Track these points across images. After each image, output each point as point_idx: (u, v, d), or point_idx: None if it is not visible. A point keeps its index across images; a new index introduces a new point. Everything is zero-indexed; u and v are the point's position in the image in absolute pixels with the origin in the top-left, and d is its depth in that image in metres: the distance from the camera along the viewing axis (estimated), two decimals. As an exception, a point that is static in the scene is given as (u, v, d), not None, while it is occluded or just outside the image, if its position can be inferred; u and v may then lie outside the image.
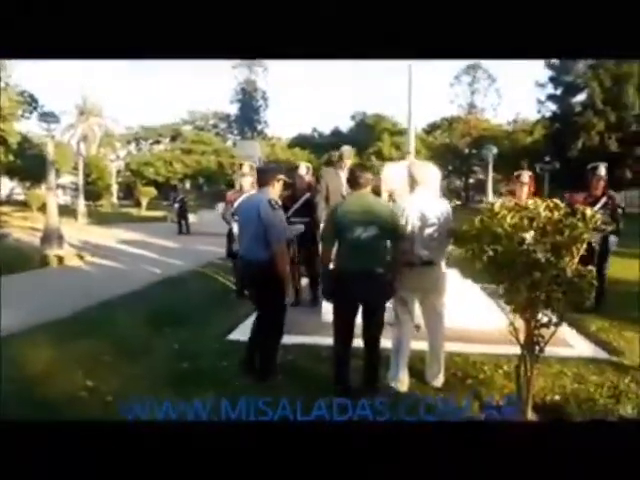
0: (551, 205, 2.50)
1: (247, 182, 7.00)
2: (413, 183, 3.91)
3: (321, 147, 48.06)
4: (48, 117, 11.00)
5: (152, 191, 35.46)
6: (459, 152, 51.81)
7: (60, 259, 10.64)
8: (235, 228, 6.85)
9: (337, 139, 51.46)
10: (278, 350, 4.18)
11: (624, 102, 31.51)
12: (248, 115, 61.50)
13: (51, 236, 11.11)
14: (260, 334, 4.12)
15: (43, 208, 28.32)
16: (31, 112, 34.78)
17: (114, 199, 37.08)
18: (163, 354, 4.67)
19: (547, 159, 29.12)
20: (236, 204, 6.93)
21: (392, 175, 6.56)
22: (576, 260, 2.51)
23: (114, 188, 38.16)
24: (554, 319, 2.66)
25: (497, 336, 4.54)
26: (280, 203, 4.10)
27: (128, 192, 45.02)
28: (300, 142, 51.19)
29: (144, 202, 33.04)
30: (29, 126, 35.15)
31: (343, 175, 6.31)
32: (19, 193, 49.35)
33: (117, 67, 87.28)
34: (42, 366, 4.29)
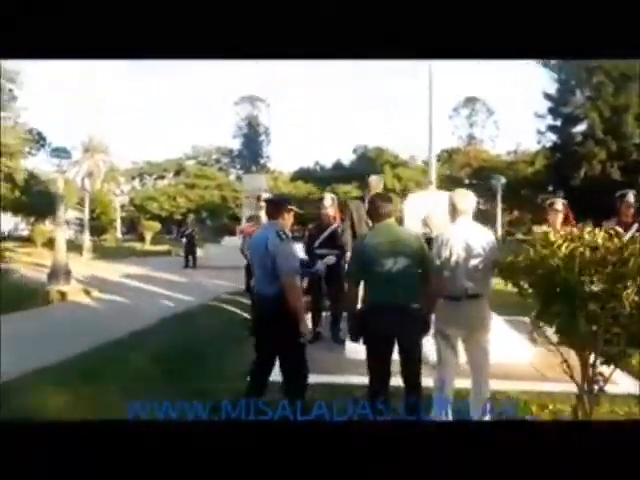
0: (611, 233, 2.36)
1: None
2: (454, 212, 3.73)
3: (323, 180, 48.31)
4: (60, 153, 11.05)
5: (156, 225, 35.49)
6: (460, 183, 52.02)
7: (64, 295, 10.47)
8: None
9: (339, 172, 51.97)
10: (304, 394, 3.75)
11: (624, 132, 31.70)
12: (251, 150, 62.20)
13: (58, 272, 10.97)
14: (284, 379, 3.79)
15: (47, 244, 28.41)
16: (38, 149, 35.26)
17: (118, 234, 37.02)
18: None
19: (550, 189, 29.20)
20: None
21: (417, 204, 6.48)
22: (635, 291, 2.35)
23: (118, 223, 38.13)
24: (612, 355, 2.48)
25: (531, 372, 4.33)
26: (289, 234, 3.83)
27: (131, 227, 45.10)
28: (302, 175, 51.43)
29: (148, 236, 33.03)
30: (34, 163, 35.45)
31: None
32: (23, 229, 49.58)
33: (123, 104, 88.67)
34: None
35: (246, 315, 8.20)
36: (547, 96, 35.92)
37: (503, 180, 24.92)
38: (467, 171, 51.60)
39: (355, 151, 57.99)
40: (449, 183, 47.19)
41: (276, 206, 4.00)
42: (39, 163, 41.00)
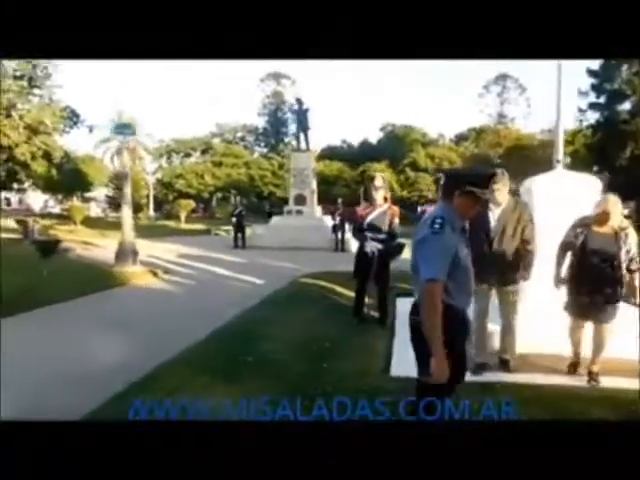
0: None
1: (380, 196, 6.55)
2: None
3: (352, 158, 47.71)
4: (124, 129, 10.66)
5: (191, 203, 35.32)
6: (490, 162, 50.92)
7: (136, 276, 10.21)
8: (368, 247, 6.40)
9: (367, 150, 51.31)
10: None
11: (673, 108, 30.60)
12: (276, 127, 61.68)
13: (126, 252, 10.72)
14: None
15: (85, 222, 28.59)
16: (71, 127, 35.13)
17: (150, 212, 36.90)
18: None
19: (595, 169, 28.34)
20: (368, 219, 6.48)
21: (546, 186, 5.97)
22: None
23: (150, 200, 37.96)
24: None
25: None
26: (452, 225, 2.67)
27: (157, 205, 45.04)
28: (329, 154, 50.88)
29: (183, 215, 32.86)
30: (66, 140, 35.40)
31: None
32: (53, 206, 49.92)
33: (148, 82, 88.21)
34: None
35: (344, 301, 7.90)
36: (590, 72, 34.72)
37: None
38: (497, 150, 50.53)
39: (383, 129, 57.17)
40: (477, 162, 46.66)
41: (450, 183, 2.93)
42: (70, 141, 40.98)
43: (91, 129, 33.93)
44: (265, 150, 61.17)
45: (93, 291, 8.73)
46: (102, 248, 16.85)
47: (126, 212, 11.04)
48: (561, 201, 5.45)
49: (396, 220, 6.63)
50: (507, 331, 4.73)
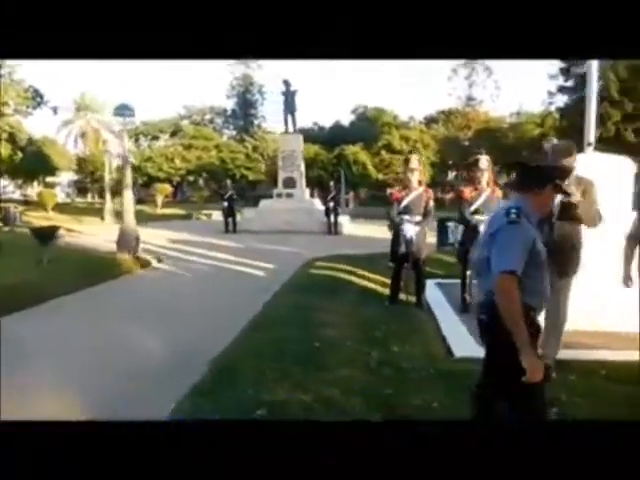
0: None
1: (415, 178, 6.43)
2: None
3: (326, 141, 47.40)
4: (124, 110, 10.16)
5: (168, 188, 34.41)
6: (459, 145, 51.49)
7: (141, 262, 9.85)
8: (407, 230, 6.29)
9: (339, 133, 51.06)
10: None
11: (640, 92, 31.38)
12: (245, 110, 60.57)
13: (129, 238, 10.29)
14: None
15: (56, 208, 27.53)
16: (34, 108, 33.58)
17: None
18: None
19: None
20: (404, 202, 6.37)
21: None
22: None
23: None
24: None
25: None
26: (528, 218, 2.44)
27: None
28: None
29: (159, 200, 31.97)
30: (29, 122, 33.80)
31: None
32: (12, 192, 47.90)
33: (113, 62, 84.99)
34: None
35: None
36: (561, 55, 35.30)
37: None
38: (466, 133, 51.10)
39: (354, 111, 56.91)
40: (448, 144, 47.21)
41: (533, 173, 2.52)
42: (34, 123, 39.26)
43: (55, 110, 32.50)
44: (234, 133, 60.14)
45: (104, 280, 8.38)
46: (86, 235, 16.29)
47: (128, 197, 10.59)
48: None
49: (431, 203, 6.56)
50: (553, 331, 4.10)
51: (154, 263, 10.16)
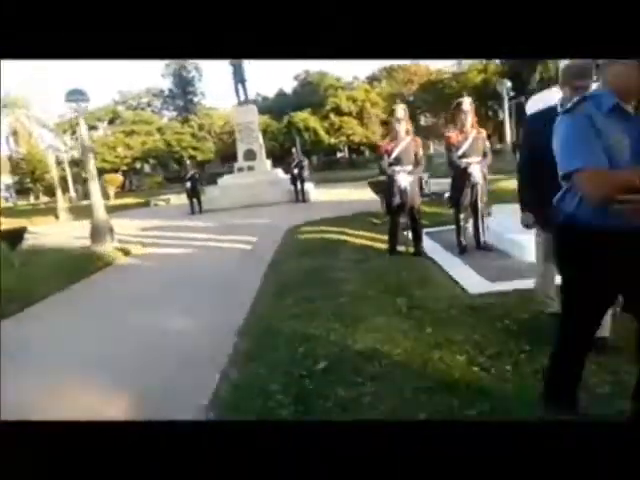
0: None
1: (403, 128, 6.46)
2: None
3: (273, 110, 46.68)
4: (77, 96, 9.68)
5: (119, 177, 33.24)
6: (405, 100, 51.74)
7: (124, 252, 9.60)
8: (400, 180, 6.35)
9: (284, 101, 50.37)
10: None
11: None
12: (183, 88, 58.76)
13: (102, 230, 9.99)
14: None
15: (4, 212, 26.16)
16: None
17: (71, 192, 34.30)
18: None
19: (512, 94, 29.57)
20: (394, 153, 6.40)
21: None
22: None
23: (69, 181, 35.10)
24: None
25: None
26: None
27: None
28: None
29: (112, 191, 30.90)
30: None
31: None
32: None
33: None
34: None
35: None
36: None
37: (509, 84, 24.63)
38: (410, 88, 51.32)
39: (296, 77, 56.03)
40: (394, 100, 47.35)
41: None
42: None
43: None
44: (175, 114, 58.42)
45: (90, 273, 8.14)
46: (46, 235, 15.66)
47: (94, 187, 10.20)
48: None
49: (420, 151, 6.64)
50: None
51: (138, 249, 9.90)
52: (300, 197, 17.22)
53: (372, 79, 56.61)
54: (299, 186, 17.20)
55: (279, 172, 20.39)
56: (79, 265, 8.38)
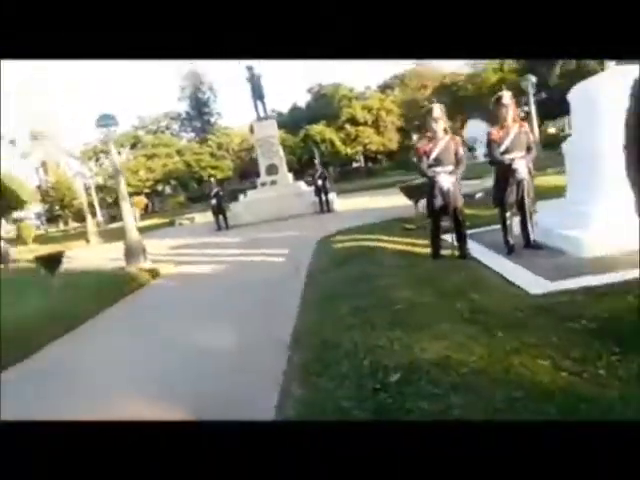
0: None
1: (440, 127, 6.24)
2: None
3: (288, 125, 46.87)
4: (108, 120, 9.71)
5: (143, 200, 33.61)
6: (420, 105, 51.41)
7: (154, 273, 9.52)
8: (443, 181, 6.11)
9: (299, 115, 50.55)
10: None
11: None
12: (199, 110, 59.56)
13: (136, 249, 9.95)
14: None
15: (36, 239, 26.66)
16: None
17: (99, 217, 34.81)
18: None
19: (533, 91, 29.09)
20: (434, 154, 6.18)
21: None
22: None
23: (96, 206, 35.74)
24: None
25: None
26: None
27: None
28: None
29: (137, 213, 31.25)
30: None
31: None
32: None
33: (58, 82, 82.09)
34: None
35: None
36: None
37: (534, 79, 24.23)
38: (423, 93, 51.01)
39: (310, 91, 56.27)
40: (410, 107, 47.18)
41: None
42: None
43: (13, 142, 31.31)
44: (193, 135, 59.21)
45: (127, 294, 8.06)
46: (78, 259, 15.75)
47: (126, 208, 10.20)
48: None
49: (461, 150, 6.38)
50: None
51: (172, 268, 9.81)
52: (325, 208, 17.06)
53: (385, 87, 56.57)
54: (323, 197, 17.05)
55: (302, 184, 20.30)
56: (118, 286, 8.33)
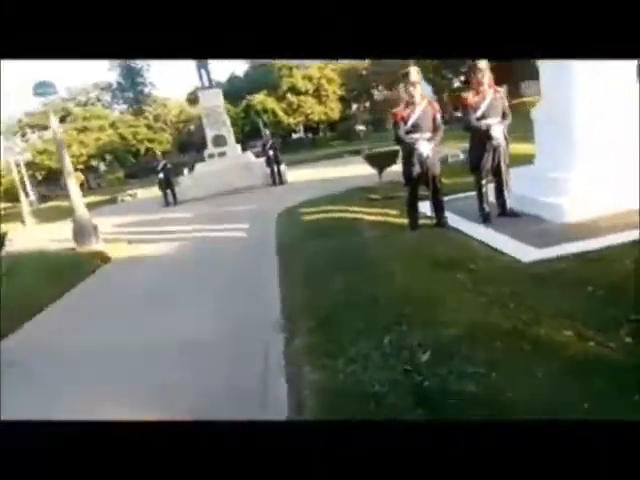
0: None
1: (418, 92, 6.03)
2: None
3: (228, 95, 45.43)
4: (46, 88, 8.89)
5: (80, 176, 31.70)
6: (359, 74, 51.05)
7: (116, 249, 8.98)
8: (422, 148, 5.93)
9: (238, 84, 49.10)
10: None
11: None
12: (131, 80, 56.74)
13: (86, 228, 9.29)
14: None
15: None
16: None
17: (32, 196, 32.63)
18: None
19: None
20: (411, 120, 5.99)
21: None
22: None
23: (27, 184, 33.37)
24: None
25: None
26: None
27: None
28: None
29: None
30: None
31: None
32: None
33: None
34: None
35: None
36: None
37: None
38: (362, 62, 50.61)
39: (247, 60, 54.66)
40: (349, 76, 46.83)
41: None
42: None
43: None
44: (126, 106, 56.45)
45: (85, 277, 7.52)
46: (18, 241, 14.70)
47: (72, 185, 9.45)
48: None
49: (439, 116, 6.21)
50: None
51: (128, 248, 9.26)
52: (277, 179, 16.67)
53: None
54: (275, 168, 16.63)
55: (251, 156, 19.71)
56: (73, 268, 7.76)
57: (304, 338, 3.62)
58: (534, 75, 7.22)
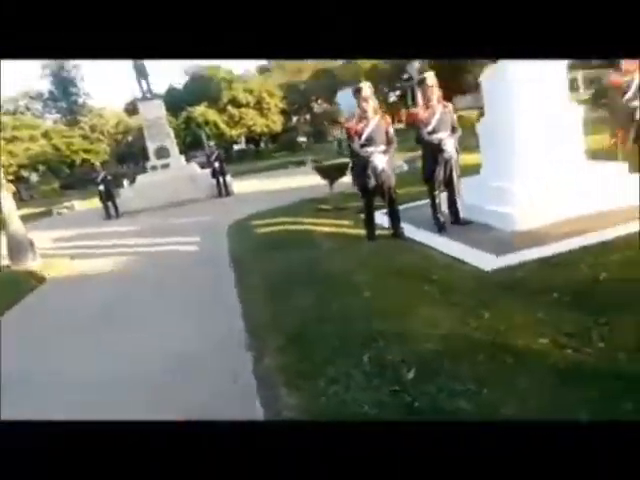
0: None
1: (370, 107, 6.11)
2: None
3: (169, 107, 44.44)
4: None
5: (11, 187, 29.83)
6: (298, 89, 51.31)
7: (54, 268, 8.45)
8: (377, 161, 5.94)
9: (177, 96, 48.17)
10: None
11: None
12: (64, 89, 54.62)
13: (22, 245, 8.72)
14: None
15: None
16: None
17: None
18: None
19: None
20: (365, 134, 5.99)
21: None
22: None
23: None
24: None
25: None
26: None
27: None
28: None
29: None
30: None
31: None
32: None
33: None
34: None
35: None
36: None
37: (417, 64, 24.78)
38: (300, 77, 51.00)
39: (186, 72, 53.82)
40: (289, 91, 47.03)
41: None
42: None
43: None
44: (59, 116, 54.25)
45: (25, 293, 7.03)
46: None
47: (4, 197, 8.86)
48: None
49: (391, 129, 6.30)
50: None
51: (69, 264, 8.74)
52: (224, 191, 16.37)
53: (263, 70, 55.91)
54: (221, 179, 16.32)
55: (196, 167, 19.27)
56: (10, 287, 7.21)
57: (275, 357, 3.46)
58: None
